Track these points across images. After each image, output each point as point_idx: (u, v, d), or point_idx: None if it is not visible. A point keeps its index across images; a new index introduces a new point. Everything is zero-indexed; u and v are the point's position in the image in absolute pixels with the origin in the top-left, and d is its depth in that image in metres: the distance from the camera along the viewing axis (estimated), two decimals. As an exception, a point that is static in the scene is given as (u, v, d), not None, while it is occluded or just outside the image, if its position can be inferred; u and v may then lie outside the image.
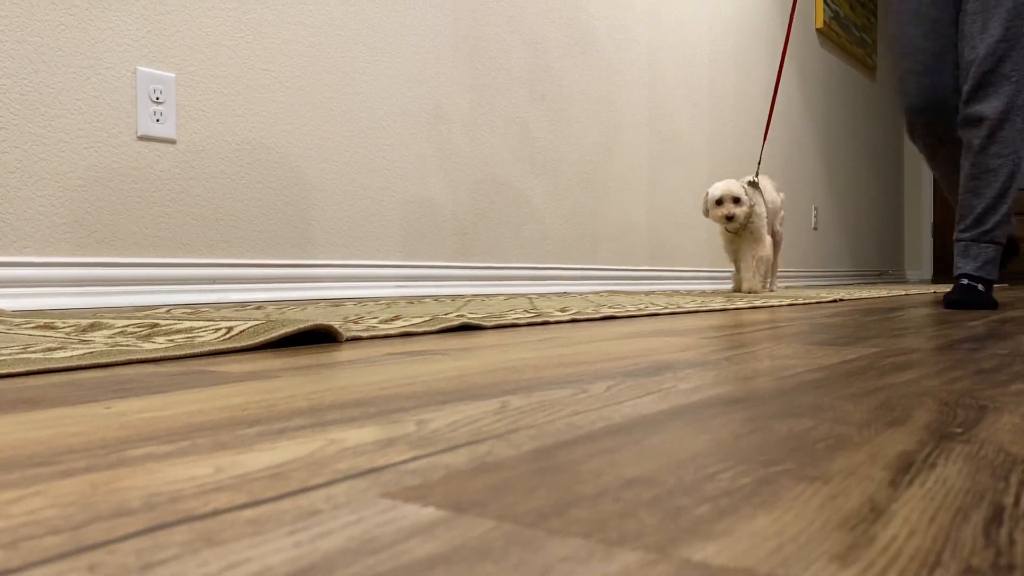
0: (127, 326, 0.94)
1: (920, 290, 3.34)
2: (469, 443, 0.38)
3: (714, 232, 3.63)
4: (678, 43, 3.35)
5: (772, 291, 2.88)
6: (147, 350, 0.73)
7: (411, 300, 1.90)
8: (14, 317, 1.17)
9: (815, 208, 4.63)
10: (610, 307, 1.58)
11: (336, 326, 0.90)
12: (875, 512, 0.28)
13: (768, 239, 2.72)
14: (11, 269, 1.45)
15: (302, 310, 1.41)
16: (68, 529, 0.26)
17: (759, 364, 0.71)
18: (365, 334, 0.93)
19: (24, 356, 0.68)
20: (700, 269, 3.54)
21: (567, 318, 1.27)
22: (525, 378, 0.61)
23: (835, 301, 2.19)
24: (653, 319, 1.36)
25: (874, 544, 0.24)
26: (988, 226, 1.84)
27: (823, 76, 4.70)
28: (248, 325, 0.87)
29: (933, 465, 0.34)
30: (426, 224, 2.27)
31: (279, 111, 1.89)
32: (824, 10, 4.56)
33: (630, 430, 0.41)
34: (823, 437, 0.40)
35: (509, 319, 1.19)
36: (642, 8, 3.12)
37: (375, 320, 1.12)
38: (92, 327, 0.95)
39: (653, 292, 2.79)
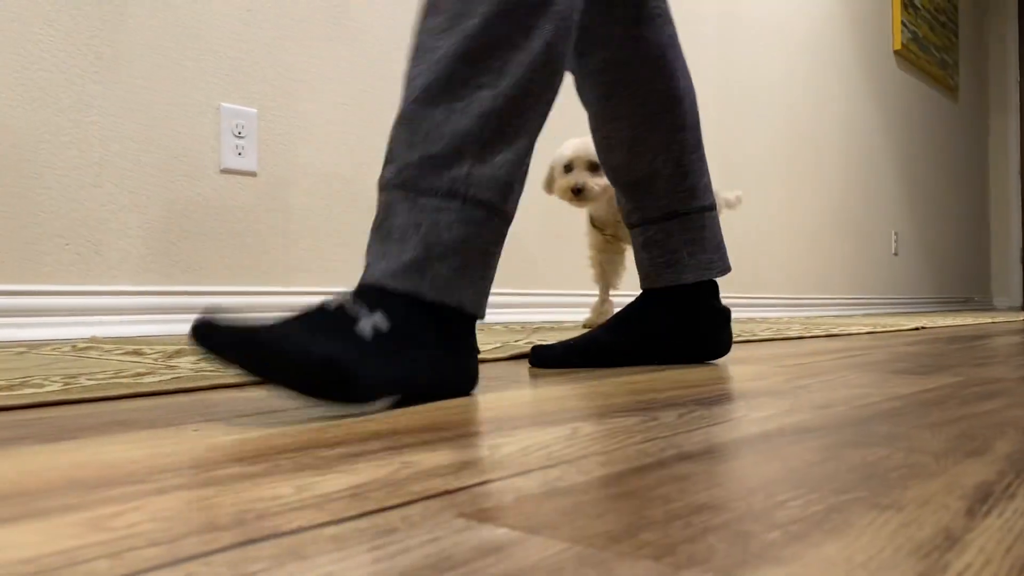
0: (211, 352, 0.98)
1: (1008, 318, 3.22)
2: (541, 468, 0.39)
3: (794, 255, 3.56)
4: (748, 68, 3.33)
5: None
6: (230, 375, 0.76)
7: (481, 327, 1.92)
8: (105, 343, 1.23)
9: (895, 233, 4.51)
10: (681, 335, 1.56)
11: (410, 353, 0.92)
12: (949, 541, 0.27)
13: None
14: (103, 298, 1.52)
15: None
16: (166, 542, 0.27)
17: (834, 393, 0.70)
18: (438, 361, 0.95)
19: (117, 380, 0.71)
20: (777, 296, 3.48)
21: (638, 346, 1.26)
22: (595, 405, 0.62)
23: (916, 329, 2.13)
24: (725, 347, 1.35)
25: (947, 572, 0.24)
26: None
27: (902, 98, 4.60)
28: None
29: (1012, 496, 0.34)
30: (497, 252, 2.29)
31: (355, 144, 1.95)
32: (902, 32, 4.47)
33: (701, 458, 0.42)
34: (898, 466, 0.39)
35: (580, 346, 1.19)
36: (711, 33, 3.12)
37: (447, 347, 1.13)
38: (177, 353, 0.99)
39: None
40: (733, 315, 3.19)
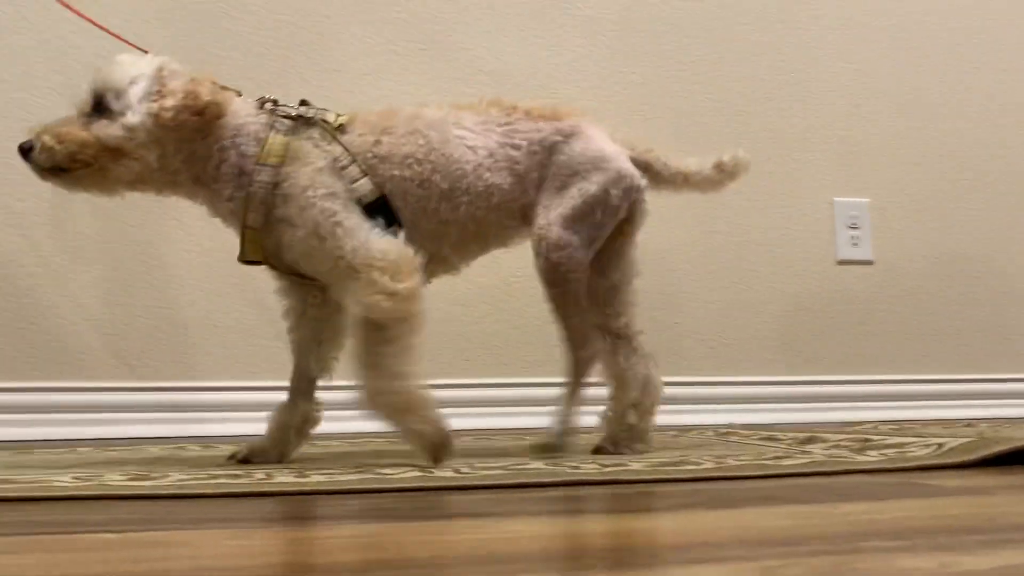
0: (840, 440, 1.02)
1: None
2: None
3: None
4: None
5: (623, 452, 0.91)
6: (861, 462, 0.79)
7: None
8: (741, 430, 1.36)
9: None
10: None
11: (1060, 445, 0.83)
12: None
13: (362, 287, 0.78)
14: (734, 387, 1.68)
15: (1018, 428, 1.31)
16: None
17: None
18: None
19: (759, 462, 0.80)
20: None
21: None
22: None
23: None
24: None
25: None
26: None
27: None
28: (959, 442, 0.87)
29: None
30: None
31: (977, 219, 1.83)
32: None
33: None
34: None
35: None
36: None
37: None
38: (809, 440, 1.06)
39: None
40: None
